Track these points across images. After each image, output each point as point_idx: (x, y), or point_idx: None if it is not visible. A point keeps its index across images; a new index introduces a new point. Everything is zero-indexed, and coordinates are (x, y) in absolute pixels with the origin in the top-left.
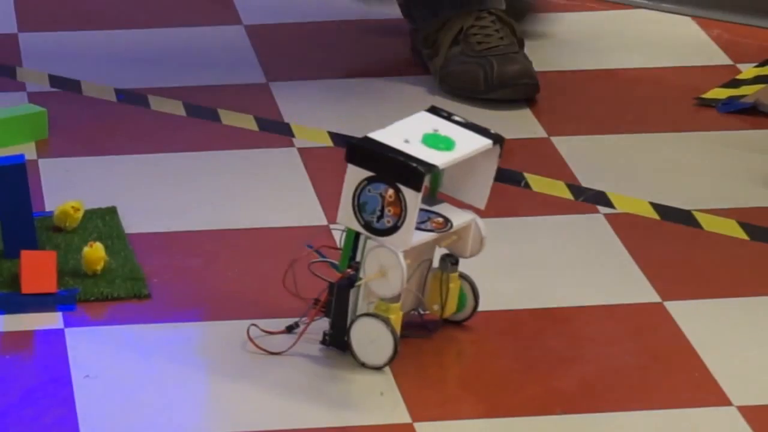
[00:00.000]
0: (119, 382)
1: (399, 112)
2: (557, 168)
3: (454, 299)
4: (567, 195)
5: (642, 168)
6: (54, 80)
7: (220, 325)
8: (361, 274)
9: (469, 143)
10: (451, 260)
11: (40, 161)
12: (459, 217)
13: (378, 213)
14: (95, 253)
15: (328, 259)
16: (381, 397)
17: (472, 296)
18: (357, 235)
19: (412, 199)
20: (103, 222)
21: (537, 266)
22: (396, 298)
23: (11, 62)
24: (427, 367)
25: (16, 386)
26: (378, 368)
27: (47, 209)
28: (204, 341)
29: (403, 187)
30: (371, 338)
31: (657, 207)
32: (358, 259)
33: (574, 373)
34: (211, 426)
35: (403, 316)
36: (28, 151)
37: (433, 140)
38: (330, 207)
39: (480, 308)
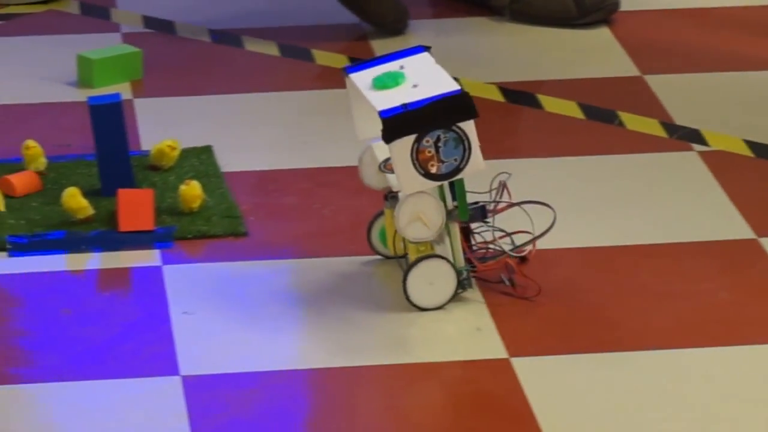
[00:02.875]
0: (217, 318)
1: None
2: (651, 106)
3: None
4: (661, 133)
5: (736, 105)
6: (148, 21)
7: (316, 261)
8: None
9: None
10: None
11: (136, 101)
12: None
13: None
14: (192, 191)
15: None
16: (478, 333)
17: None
18: None
19: None
20: (199, 160)
21: (631, 204)
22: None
23: (106, 3)
24: (523, 304)
25: (115, 323)
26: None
27: (143, 148)
28: (300, 278)
29: None
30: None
31: (751, 144)
32: None
33: (670, 309)
34: (307, 361)
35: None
36: (123, 91)
37: (385, 77)
38: None
39: (575, 245)
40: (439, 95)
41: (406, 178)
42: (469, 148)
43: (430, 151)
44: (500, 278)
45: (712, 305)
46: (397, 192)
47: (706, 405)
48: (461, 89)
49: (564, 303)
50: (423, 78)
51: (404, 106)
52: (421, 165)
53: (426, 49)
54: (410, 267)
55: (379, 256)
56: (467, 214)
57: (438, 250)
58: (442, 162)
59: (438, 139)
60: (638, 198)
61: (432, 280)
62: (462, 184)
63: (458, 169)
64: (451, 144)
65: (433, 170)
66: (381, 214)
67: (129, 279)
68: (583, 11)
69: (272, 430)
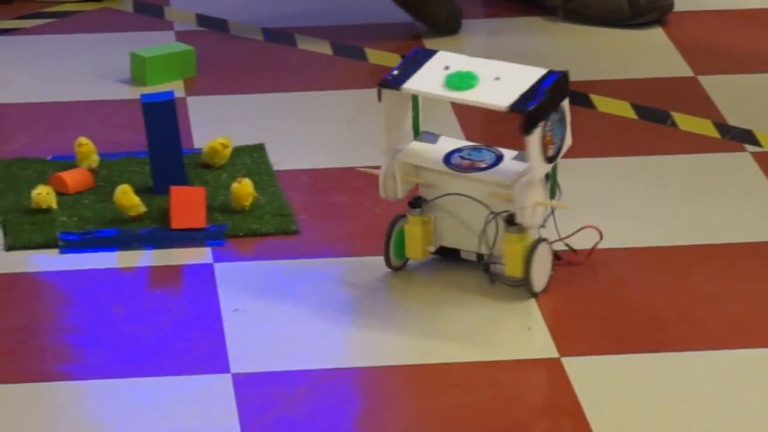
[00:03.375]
0: (268, 316)
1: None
2: (704, 106)
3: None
4: (714, 133)
5: None
6: (201, 19)
7: (367, 260)
8: None
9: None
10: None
11: (189, 98)
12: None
13: None
14: (244, 189)
15: None
16: (529, 332)
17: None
18: None
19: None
20: (251, 158)
21: (684, 204)
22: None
23: (159, 1)
24: (574, 303)
25: (166, 320)
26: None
27: (196, 146)
28: (351, 277)
29: None
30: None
31: None
32: None
33: (722, 310)
34: (358, 360)
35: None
36: (176, 88)
37: (458, 77)
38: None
39: (627, 245)
40: (549, 79)
41: (537, 165)
42: (566, 125)
43: (549, 135)
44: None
45: (765, 306)
46: (420, 198)
47: (759, 406)
48: (563, 70)
49: (615, 303)
50: (492, 71)
51: (532, 96)
52: (544, 150)
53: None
54: (531, 256)
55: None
56: (557, 191)
57: (533, 234)
58: (554, 143)
59: (552, 122)
60: (690, 198)
61: (542, 263)
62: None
63: (561, 148)
64: (558, 124)
65: (550, 153)
66: (393, 226)
67: (180, 276)
68: (637, 11)
69: (322, 428)
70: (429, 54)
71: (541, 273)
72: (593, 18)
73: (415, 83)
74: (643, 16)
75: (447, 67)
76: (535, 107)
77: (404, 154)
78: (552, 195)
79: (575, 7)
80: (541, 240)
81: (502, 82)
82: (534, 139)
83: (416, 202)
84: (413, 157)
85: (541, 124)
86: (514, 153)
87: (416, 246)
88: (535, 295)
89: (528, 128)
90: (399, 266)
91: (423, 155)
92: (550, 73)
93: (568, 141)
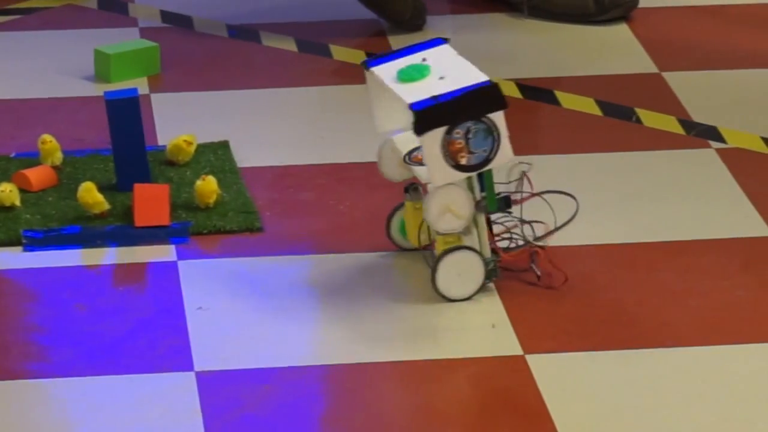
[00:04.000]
0: (231, 313)
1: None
2: (669, 103)
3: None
4: (678, 130)
5: (754, 103)
6: (166, 16)
7: (331, 257)
8: None
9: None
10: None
11: (153, 96)
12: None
13: None
14: (208, 186)
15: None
16: (493, 330)
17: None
18: None
19: None
20: (215, 156)
21: (648, 201)
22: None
23: None
24: (539, 300)
25: (130, 317)
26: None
27: (160, 143)
28: (315, 273)
29: None
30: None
31: None
32: None
33: (688, 307)
34: (322, 357)
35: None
36: (140, 85)
37: (409, 69)
38: None
39: (592, 242)
40: (469, 87)
41: (436, 170)
42: (499, 139)
43: (460, 143)
44: (530, 266)
45: (730, 303)
46: (417, 184)
47: (724, 403)
48: (490, 80)
49: (581, 299)
50: (449, 70)
51: (435, 98)
52: (451, 156)
53: (445, 41)
54: (439, 258)
55: (395, 251)
56: (495, 205)
57: (466, 241)
58: (472, 153)
59: (468, 130)
60: (655, 195)
61: (461, 271)
62: (491, 175)
63: (488, 160)
64: (480, 135)
65: (463, 161)
66: (400, 206)
67: (144, 274)
68: (601, 8)
69: (286, 426)
70: (434, 44)
71: (456, 281)
72: (558, 14)
73: (382, 68)
74: (607, 12)
75: (424, 60)
76: (427, 109)
77: (394, 140)
78: (491, 208)
79: (540, 4)
80: (459, 248)
81: (443, 81)
82: (428, 142)
83: (407, 188)
84: (398, 144)
85: (443, 128)
86: None
87: (411, 231)
88: (444, 298)
89: (418, 129)
90: (409, 247)
91: (402, 144)
92: (480, 82)
93: (505, 155)
